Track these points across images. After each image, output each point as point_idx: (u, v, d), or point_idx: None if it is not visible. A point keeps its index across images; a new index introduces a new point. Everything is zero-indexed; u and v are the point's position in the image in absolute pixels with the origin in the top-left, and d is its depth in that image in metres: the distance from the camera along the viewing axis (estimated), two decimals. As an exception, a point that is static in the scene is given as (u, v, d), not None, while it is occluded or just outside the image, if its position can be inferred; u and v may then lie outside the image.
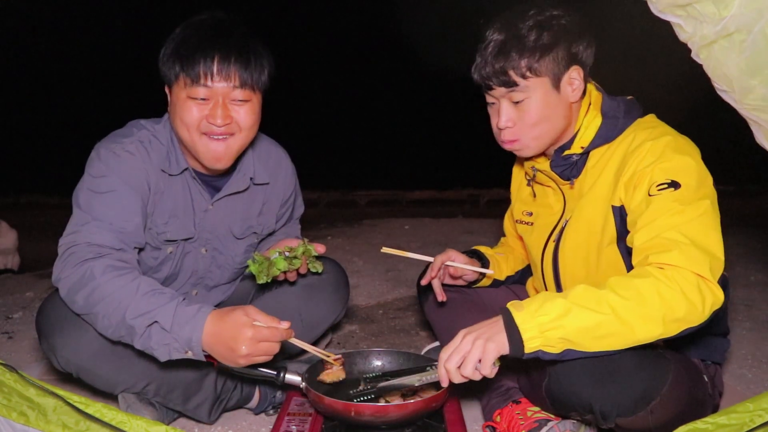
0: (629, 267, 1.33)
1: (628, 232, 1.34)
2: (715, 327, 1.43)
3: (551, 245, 1.57)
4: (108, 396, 1.53)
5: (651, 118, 1.46)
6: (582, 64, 1.43)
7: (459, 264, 1.68)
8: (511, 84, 1.40)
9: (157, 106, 1.66)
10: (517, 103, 1.42)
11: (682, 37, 1.14)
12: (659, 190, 1.28)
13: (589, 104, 1.47)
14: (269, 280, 1.60)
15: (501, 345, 1.17)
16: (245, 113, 1.49)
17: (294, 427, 1.41)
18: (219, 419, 1.63)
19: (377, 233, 4.74)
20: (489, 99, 1.48)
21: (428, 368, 1.40)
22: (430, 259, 1.69)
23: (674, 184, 1.27)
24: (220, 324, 1.28)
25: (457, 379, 1.21)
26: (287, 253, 1.62)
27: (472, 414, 1.63)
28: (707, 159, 1.35)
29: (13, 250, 4.29)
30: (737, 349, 2.18)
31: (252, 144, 1.64)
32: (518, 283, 1.87)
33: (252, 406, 1.67)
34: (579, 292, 1.19)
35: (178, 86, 1.46)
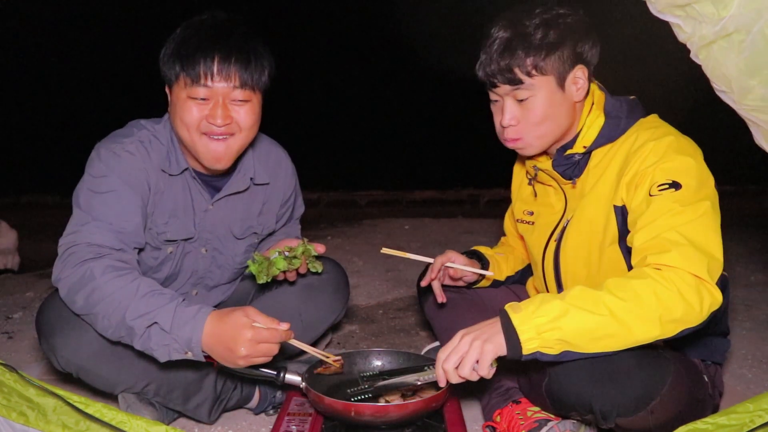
0: (630, 267, 1.33)
1: (629, 231, 1.34)
2: (715, 327, 1.43)
3: (552, 245, 1.57)
4: (108, 396, 1.53)
5: (653, 118, 1.46)
6: (587, 64, 1.42)
7: (459, 265, 1.68)
8: (516, 82, 1.39)
9: (157, 106, 1.66)
10: (522, 101, 1.42)
11: (681, 37, 1.14)
12: (660, 190, 1.28)
13: (592, 104, 1.47)
14: (269, 280, 1.60)
15: (499, 346, 1.17)
16: (245, 113, 1.49)
17: (294, 427, 1.41)
18: (219, 419, 1.63)
19: (377, 233, 4.75)
20: (493, 96, 1.48)
21: (426, 368, 1.40)
22: (429, 260, 1.69)
23: (675, 185, 1.27)
24: (219, 325, 1.28)
25: (455, 380, 1.21)
26: (287, 253, 1.62)
27: (472, 414, 1.63)
28: (707, 159, 1.35)
29: (13, 250, 4.29)
30: (737, 349, 2.18)
31: (252, 144, 1.64)
32: (518, 283, 1.88)
33: (252, 406, 1.67)
34: (576, 294, 1.19)
35: (179, 86, 1.46)
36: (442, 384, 1.24)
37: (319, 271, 1.67)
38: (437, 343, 1.94)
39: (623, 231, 1.39)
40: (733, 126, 1.22)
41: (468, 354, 1.18)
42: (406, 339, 2.39)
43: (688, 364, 1.37)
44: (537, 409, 1.44)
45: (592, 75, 1.47)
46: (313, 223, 5.47)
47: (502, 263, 1.83)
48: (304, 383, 1.43)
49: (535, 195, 1.67)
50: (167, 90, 1.54)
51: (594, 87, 1.49)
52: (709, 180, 1.32)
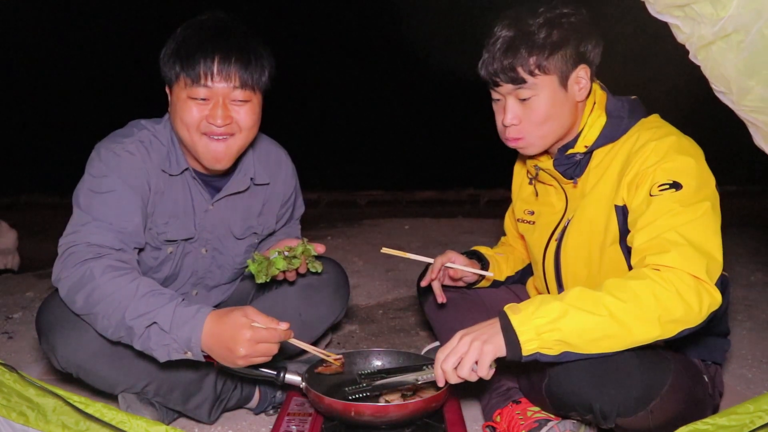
0: (631, 267, 1.33)
1: (630, 231, 1.34)
2: (716, 327, 1.43)
3: (553, 244, 1.57)
4: (108, 396, 1.53)
5: (655, 118, 1.46)
6: (589, 63, 1.42)
7: (459, 266, 1.68)
8: (518, 81, 1.39)
9: (157, 106, 1.66)
10: (524, 100, 1.41)
11: (680, 38, 1.14)
12: (660, 190, 1.28)
13: (594, 103, 1.47)
14: (268, 280, 1.60)
15: (498, 347, 1.17)
16: (245, 113, 1.49)
17: (294, 427, 1.41)
18: (219, 419, 1.63)
19: (377, 233, 4.74)
20: (495, 95, 1.48)
21: (424, 367, 1.40)
22: (429, 260, 1.69)
23: (676, 185, 1.27)
24: (218, 325, 1.28)
25: (454, 380, 1.21)
26: (287, 253, 1.62)
27: (472, 414, 1.63)
28: (708, 159, 1.35)
29: (13, 250, 4.28)
30: (737, 349, 2.18)
31: (252, 144, 1.64)
32: (518, 283, 1.88)
33: (252, 406, 1.67)
34: (575, 295, 1.19)
35: (179, 86, 1.46)
36: (441, 384, 1.24)
37: (319, 271, 1.67)
38: (437, 343, 1.94)
39: (624, 231, 1.39)
40: (734, 126, 1.22)
41: (467, 354, 1.18)
42: (406, 339, 2.39)
43: (688, 364, 1.37)
44: (537, 409, 1.44)
45: (594, 75, 1.47)
46: (313, 223, 5.46)
47: (502, 263, 1.83)
48: (304, 383, 1.43)
49: (537, 194, 1.67)
50: (167, 90, 1.54)
51: (596, 86, 1.49)
52: (710, 180, 1.32)
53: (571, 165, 1.50)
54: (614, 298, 1.16)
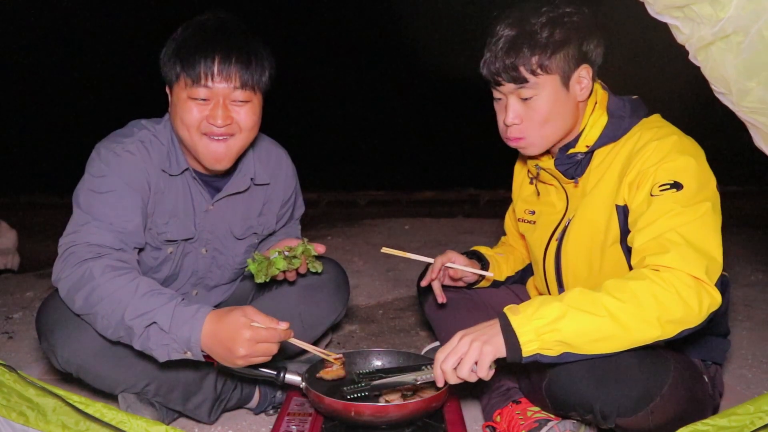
0: (632, 267, 1.33)
1: (630, 231, 1.34)
2: (716, 327, 1.43)
3: (554, 244, 1.57)
4: (108, 396, 1.53)
5: (656, 118, 1.46)
6: (591, 63, 1.42)
7: (459, 266, 1.68)
8: (520, 80, 1.39)
9: (157, 106, 1.66)
10: (525, 99, 1.41)
11: (680, 38, 1.14)
12: (661, 190, 1.28)
13: (595, 103, 1.47)
14: (268, 280, 1.60)
15: (498, 348, 1.17)
16: (246, 114, 1.49)
17: (294, 427, 1.41)
18: (219, 419, 1.63)
19: (377, 233, 4.74)
20: (496, 94, 1.47)
21: (423, 368, 1.39)
22: (430, 260, 1.69)
23: (677, 185, 1.27)
24: (218, 325, 1.28)
25: (453, 380, 1.21)
26: (287, 253, 1.62)
27: (472, 414, 1.63)
28: (709, 159, 1.35)
29: (13, 250, 4.28)
30: (737, 349, 2.19)
31: (252, 144, 1.64)
32: (518, 283, 1.88)
33: (252, 406, 1.67)
34: (575, 295, 1.19)
35: (179, 86, 1.46)
36: (440, 384, 1.24)
37: (319, 271, 1.67)
38: (437, 343, 1.94)
39: (625, 231, 1.39)
40: (734, 126, 1.22)
41: (467, 355, 1.18)
42: (406, 339, 2.39)
43: (689, 364, 1.37)
44: (537, 409, 1.44)
45: (596, 74, 1.47)
46: (313, 223, 5.47)
47: (502, 263, 1.83)
48: (304, 383, 1.43)
49: (538, 194, 1.66)
50: (167, 90, 1.54)
51: (597, 86, 1.49)
52: (711, 181, 1.32)
53: (572, 164, 1.49)
54: (614, 298, 1.16)
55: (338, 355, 1.51)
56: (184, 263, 1.68)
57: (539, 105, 1.40)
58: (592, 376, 1.20)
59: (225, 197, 1.66)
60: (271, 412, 1.68)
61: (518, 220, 1.75)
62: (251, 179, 1.69)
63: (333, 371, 1.49)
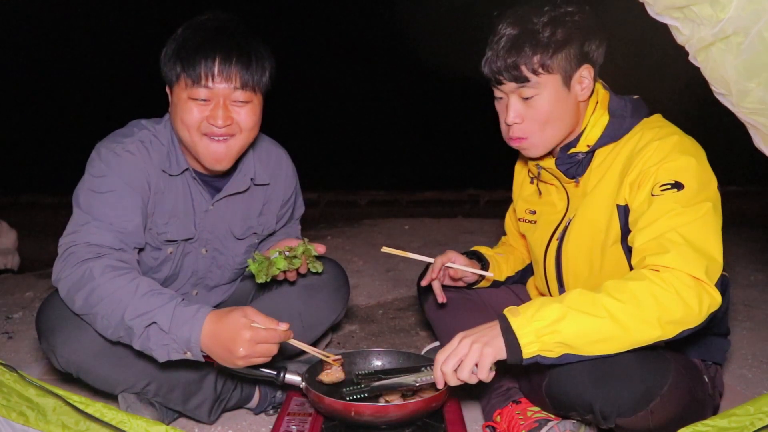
0: (632, 267, 1.33)
1: (631, 231, 1.34)
2: (716, 327, 1.43)
3: (554, 244, 1.57)
4: (108, 396, 1.53)
5: (657, 118, 1.46)
6: (593, 63, 1.42)
7: (459, 266, 1.68)
8: (522, 79, 1.38)
9: (157, 106, 1.66)
10: (527, 99, 1.41)
11: (680, 39, 1.14)
12: (662, 190, 1.28)
13: (597, 103, 1.47)
14: (268, 280, 1.60)
15: (498, 350, 1.17)
16: (246, 114, 1.49)
17: (294, 427, 1.42)
18: (219, 419, 1.63)
19: (377, 233, 4.74)
20: (497, 93, 1.47)
21: (423, 369, 1.39)
22: (430, 260, 1.69)
23: (677, 185, 1.27)
24: (218, 325, 1.28)
25: (453, 382, 1.21)
26: (287, 253, 1.62)
27: (472, 414, 1.63)
28: (708, 160, 1.35)
29: (13, 250, 4.28)
30: (737, 349, 2.19)
31: (252, 144, 1.64)
32: (518, 283, 1.88)
33: (252, 406, 1.67)
34: (575, 297, 1.19)
35: (179, 87, 1.46)
36: (440, 386, 1.24)
37: (320, 271, 1.67)
38: (437, 343, 1.94)
39: (626, 230, 1.39)
40: (735, 127, 1.22)
41: (467, 357, 1.18)
42: (406, 339, 2.39)
43: (689, 364, 1.37)
44: (537, 409, 1.44)
45: (597, 74, 1.47)
46: (313, 223, 5.47)
47: (503, 263, 1.83)
48: (304, 383, 1.43)
49: (540, 193, 1.66)
50: (168, 90, 1.54)
51: (598, 86, 1.49)
52: (712, 181, 1.32)
53: (573, 164, 1.49)
54: (614, 299, 1.16)
55: (337, 357, 1.51)
56: (184, 263, 1.68)
57: (540, 104, 1.40)
58: (592, 376, 1.20)
59: (225, 197, 1.66)
60: (271, 412, 1.68)
61: (519, 219, 1.75)
62: (251, 179, 1.69)
63: (332, 374, 1.49)
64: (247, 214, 1.74)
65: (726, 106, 1.16)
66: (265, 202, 1.77)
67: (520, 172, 1.79)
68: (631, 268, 1.32)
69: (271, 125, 1.72)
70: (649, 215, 1.28)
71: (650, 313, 1.15)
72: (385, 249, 1.71)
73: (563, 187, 1.56)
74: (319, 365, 1.52)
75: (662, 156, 1.32)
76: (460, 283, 1.75)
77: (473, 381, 1.20)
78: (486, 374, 1.18)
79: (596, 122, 1.45)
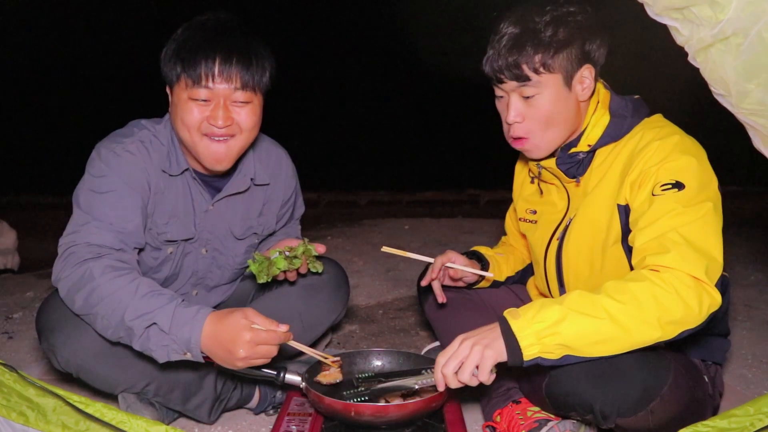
0: (632, 267, 1.33)
1: (632, 231, 1.34)
2: (716, 327, 1.43)
3: (555, 243, 1.57)
4: (108, 396, 1.54)
5: (658, 118, 1.46)
6: (594, 64, 1.42)
7: (459, 266, 1.68)
8: (523, 78, 1.38)
9: (157, 106, 1.66)
10: (527, 98, 1.41)
11: (679, 40, 1.14)
12: (663, 190, 1.28)
13: (597, 102, 1.47)
14: (269, 280, 1.60)
15: (499, 352, 1.17)
16: (246, 115, 1.49)
17: (294, 427, 1.42)
18: (219, 419, 1.63)
19: (377, 233, 4.74)
20: (498, 92, 1.47)
21: (423, 372, 1.39)
22: (430, 260, 1.69)
23: (678, 185, 1.27)
24: (218, 326, 1.28)
25: (454, 385, 1.21)
26: (287, 253, 1.62)
27: (472, 414, 1.63)
28: (710, 160, 1.35)
29: (13, 250, 4.28)
30: (737, 349, 2.19)
31: (253, 144, 1.64)
32: (518, 283, 1.88)
33: (252, 406, 1.67)
34: (574, 298, 1.19)
35: (180, 87, 1.46)
36: (441, 389, 1.24)
37: (320, 271, 1.67)
38: (437, 343, 1.95)
39: (626, 230, 1.39)
40: (735, 127, 1.22)
41: (468, 359, 1.18)
42: (406, 339, 2.39)
43: (689, 364, 1.37)
44: (537, 409, 1.44)
45: (598, 74, 1.47)
46: (313, 223, 5.46)
47: (503, 263, 1.83)
48: (304, 383, 1.43)
49: (541, 193, 1.66)
50: (168, 90, 1.54)
51: (599, 86, 1.49)
52: (713, 181, 1.32)
53: (573, 164, 1.49)
54: (613, 300, 1.16)
55: (336, 359, 1.51)
56: (184, 263, 1.68)
57: (541, 103, 1.40)
58: (592, 377, 1.20)
59: (225, 197, 1.66)
60: (271, 412, 1.68)
61: (519, 219, 1.75)
62: (251, 179, 1.69)
63: (330, 375, 1.49)
64: (247, 214, 1.74)
65: (725, 106, 1.16)
66: (265, 202, 1.77)
67: (521, 172, 1.79)
68: (632, 268, 1.32)
69: (271, 125, 1.72)
70: (650, 215, 1.28)
71: (650, 314, 1.15)
72: (385, 249, 1.71)
73: (564, 186, 1.56)
74: (318, 365, 1.52)
75: (663, 156, 1.32)
76: (460, 284, 1.75)
77: (474, 383, 1.19)
78: (487, 376, 1.18)
79: (597, 122, 1.45)
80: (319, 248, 1.66)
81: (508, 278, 1.84)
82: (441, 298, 1.69)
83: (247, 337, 1.26)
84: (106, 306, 1.32)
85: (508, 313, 1.21)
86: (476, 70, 1.47)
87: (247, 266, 1.62)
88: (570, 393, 1.24)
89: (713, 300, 1.18)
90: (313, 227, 5.17)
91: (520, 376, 1.46)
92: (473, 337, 1.20)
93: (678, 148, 1.33)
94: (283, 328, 1.31)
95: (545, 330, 1.15)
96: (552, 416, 1.41)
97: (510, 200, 1.85)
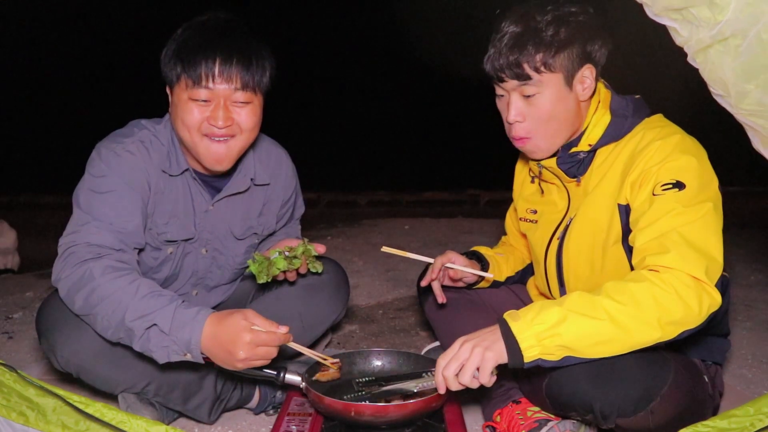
0: (633, 266, 1.33)
1: (632, 230, 1.34)
2: (716, 328, 1.43)
3: (555, 243, 1.57)
4: (108, 396, 1.53)
5: (659, 118, 1.46)
6: (595, 64, 1.42)
7: (459, 266, 1.68)
8: (524, 77, 1.38)
9: (157, 106, 1.66)
10: (528, 97, 1.41)
11: (678, 41, 1.14)
12: (663, 190, 1.28)
13: (598, 102, 1.46)
14: (269, 280, 1.60)
15: (499, 354, 1.17)
16: (246, 115, 1.49)
17: (294, 427, 1.42)
18: (219, 419, 1.63)
19: (377, 233, 4.74)
20: (499, 91, 1.47)
21: (424, 374, 1.39)
22: (430, 260, 1.69)
23: (679, 185, 1.27)
24: (218, 327, 1.28)
25: (455, 387, 1.20)
26: (287, 253, 1.62)
27: (472, 414, 1.63)
28: (711, 160, 1.35)
29: (13, 250, 4.28)
30: (737, 349, 2.19)
31: (253, 144, 1.64)
32: (518, 283, 1.88)
33: (252, 406, 1.67)
34: (574, 299, 1.19)
35: (180, 87, 1.46)
36: (442, 391, 1.23)
37: (320, 271, 1.67)
38: (437, 343, 1.95)
39: (627, 230, 1.39)
40: (735, 127, 1.22)
41: (469, 361, 1.18)
42: (406, 339, 2.39)
43: (689, 364, 1.37)
44: (537, 409, 1.44)
45: (599, 74, 1.46)
46: (313, 223, 5.46)
47: (503, 264, 1.83)
48: (304, 383, 1.43)
49: (542, 192, 1.66)
50: (168, 90, 1.54)
51: (600, 85, 1.49)
52: (713, 181, 1.32)
53: (574, 163, 1.49)
54: (613, 301, 1.16)
55: (335, 360, 1.51)
56: (184, 263, 1.68)
57: (542, 103, 1.40)
58: (592, 377, 1.20)
59: (225, 197, 1.66)
60: (271, 412, 1.68)
61: (520, 219, 1.75)
62: (251, 179, 1.69)
63: (329, 374, 1.49)
64: (247, 215, 1.74)
65: (724, 107, 1.16)
66: (265, 202, 1.77)
67: (521, 172, 1.79)
68: (632, 268, 1.32)
69: (271, 125, 1.72)
70: (650, 215, 1.28)
71: (650, 315, 1.15)
72: (385, 249, 1.71)
73: (564, 186, 1.56)
74: (317, 366, 1.52)
75: (664, 156, 1.32)
76: (460, 284, 1.75)
77: (475, 386, 1.19)
78: (488, 379, 1.18)
79: (598, 121, 1.45)
80: (319, 248, 1.66)
81: (508, 278, 1.84)
82: (441, 298, 1.69)
83: (247, 338, 1.26)
84: (107, 307, 1.32)
85: (508, 315, 1.21)
86: (476, 70, 1.47)
87: (247, 266, 1.62)
88: (570, 393, 1.24)
89: (713, 300, 1.18)
90: (313, 227, 5.17)
91: (520, 376, 1.46)
92: (473, 339, 1.20)
93: (679, 147, 1.33)
94: (283, 329, 1.32)
95: (545, 332, 1.15)
96: (552, 416, 1.41)
97: (510, 200, 1.85)
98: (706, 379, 1.41)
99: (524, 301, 1.79)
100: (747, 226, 4.61)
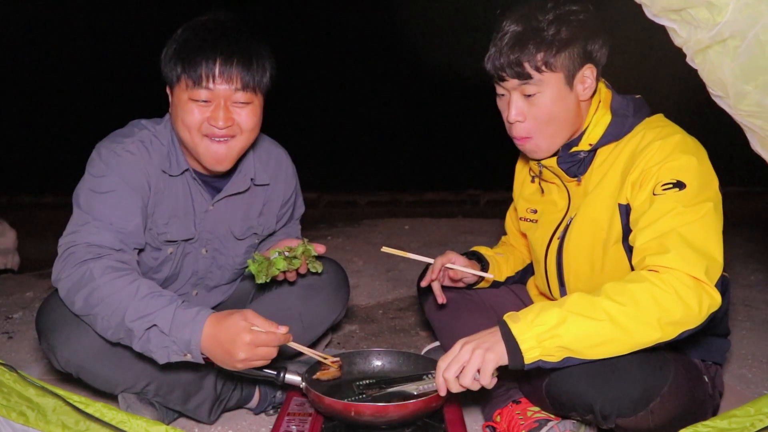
0: (633, 266, 1.33)
1: (632, 230, 1.34)
2: (716, 328, 1.43)
3: (555, 242, 1.57)
4: (108, 396, 1.53)
5: (659, 118, 1.46)
6: (596, 63, 1.41)
7: (459, 267, 1.68)
8: (524, 76, 1.38)
9: (157, 107, 1.66)
10: (529, 96, 1.40)
11: (677, 41, 1.14)
12: (664, 189, 1.28)
13: (599, 102, 1.46)
14: (268, 280, 1.60)
15: (500, 355, 1.16)
16: (247, 115, 1.49)
17: (294, 427, 1.42)
18: (219, 419, 1.63)
19: (377, 233, 4.74)
20: (499, 90, 1.47)
21: (425, 377, 1.39)
22: (429, 260, 1.69)
23: (679, 185, 1.27)
24: (218, 328, 1.28)
25: (456, 389, 1.20)
26: (287, 253, 1.62)
27: (472, 414, 1.63)
28: (711, 160, 1.35)
29: (13, 250, 4.28)
30: (737, 349, 2.19)
31: (253, 144, 1.64)
32: (518, 283, 1.87)
33: (252, 406, 1.67)
34: (574, 300, 1.19)
35: (180, 88, 1.46)
36: (443, 393, 1.23)
37: (319, 271, 1.67)
38: (437, 343, 1.95)
39: (627, 230, 1.39)
40: (734, 127, 1.22)
41: (469, 363, 1.17)
42: (406, 339, 2.39)
43: (689, 364, 1.37)
44: (537, 409, 1.44)
45: (600, 74, 1.46)
46: (313, 223, 5.47)
47: (503, 264, 1.83)
48: (304, 383, 1.43)
49: (542, 192, 1.66)
50: (168, 90, 1.54)
51: (601, 85, 1.48)
52: (713, 181, 1.32)
53: (574, 163, 1.49)
54: (613, 302, 1.16)
55: (336, 359, 1.51)
56: (184, 264, 1.68)
57: (542, 102, 1.40)
58: (592, 377, 1.20)
59: (225, 198, 1.66)
60: (271, 412, 1.68)
61: (520, 218, 1.75)
62: (251, 180, 1.69)
63: (329, 372, 1.49)
64: (247, 215, 1.74)
65: (723, 108, 1.16)
66: (265, 203, 1.77)
67: (522, 171, 1.79)
68: (633, 268, 1.32)
69: (271, 125, 1.72)
70: (650, 215, 1.28)
71: (650, 315, 1.15)
72: (384, 249, 1.71)
73: (565, 185, 1.56)
74: (317, 365, 1.52)
75: (664, 155, 1.32)
76: (460, 284, 1.75)
77: (475, 387, 1.19)
78: (488, 380, 1.17)
79: (598, 121, 1.45)
80: (319, 248, 1.66)
81: (508, 278, 1.84)
82: (441, 299, 1.69)
83: (246, 339, 1.26)
84: (107, 307, 1.32)
85: (508, 317, 1.21)
86: (477, 70, 1.46)
87: (247, 266, 1.62)
88: (570, 393, 1.24)
89: (713, 300, 1.18)
90: (313, 227, 5.17)
91: (519, 376, 1.46)
92: (474, 341, 1.20)
93: (679, 147, 1.33)
94: (283, 329, 1.31)
95: (545, 333, 1.15)
96: (552, 416, 1.41)
97: (510, 200, 1.85)
98: (706, 379, 1.41)
99: (524, 301, 1.79)
100: (747, 226, 4.61)
